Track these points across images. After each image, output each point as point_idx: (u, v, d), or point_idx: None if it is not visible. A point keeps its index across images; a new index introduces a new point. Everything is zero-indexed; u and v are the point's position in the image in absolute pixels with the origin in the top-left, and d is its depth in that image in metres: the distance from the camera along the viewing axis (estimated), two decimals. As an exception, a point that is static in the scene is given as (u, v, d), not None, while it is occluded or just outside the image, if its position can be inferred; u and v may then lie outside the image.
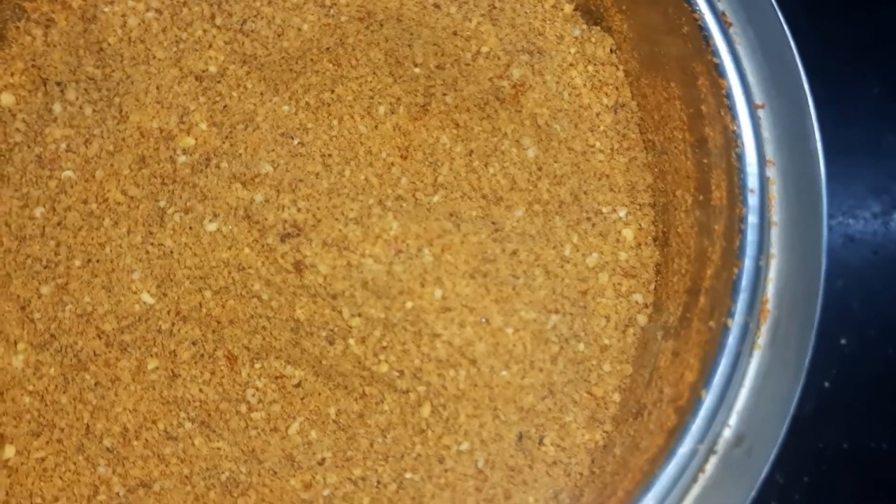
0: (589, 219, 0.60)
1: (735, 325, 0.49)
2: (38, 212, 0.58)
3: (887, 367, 0.91)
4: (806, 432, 0.90)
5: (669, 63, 0.58)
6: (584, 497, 0.55)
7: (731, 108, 0.52)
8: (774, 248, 0.52)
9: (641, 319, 0.60)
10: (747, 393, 0.50)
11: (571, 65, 0.63)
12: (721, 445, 0.49)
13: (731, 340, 0.49)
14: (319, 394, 0.58)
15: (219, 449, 0.57)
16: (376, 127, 0.61)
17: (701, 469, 0.49)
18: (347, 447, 0.57)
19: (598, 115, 0.62)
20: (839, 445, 0.89)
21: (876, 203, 0.94)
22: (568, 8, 0.63)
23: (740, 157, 0.51)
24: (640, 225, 0.61)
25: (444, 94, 0.61)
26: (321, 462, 0.57)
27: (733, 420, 0.49)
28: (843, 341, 0.91)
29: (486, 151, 0.61)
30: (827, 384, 0.90)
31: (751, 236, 0.51)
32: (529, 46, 0.62)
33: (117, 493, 0.57)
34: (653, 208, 0.61)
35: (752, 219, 0.51)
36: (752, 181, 0.51)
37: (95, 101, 0.60)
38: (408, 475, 0.56)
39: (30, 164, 0.59)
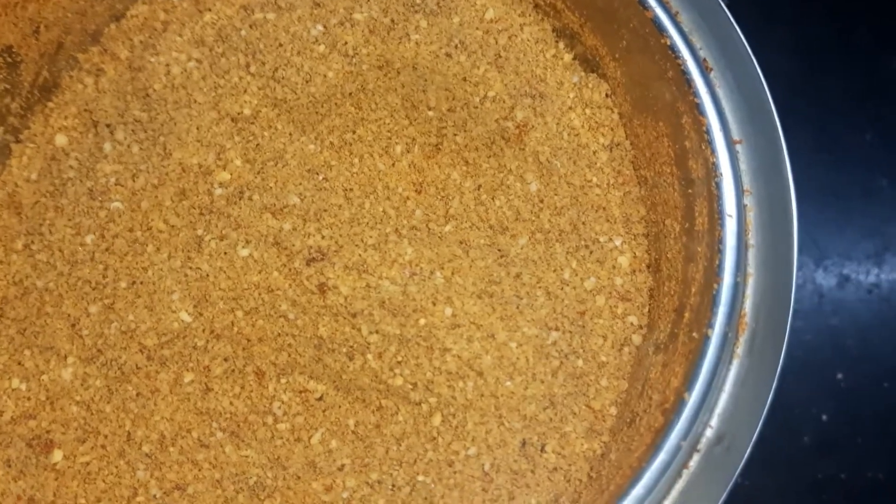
0: (587, 246, 0.66)
1: (715, 334, 0.54)
2: (89, 239, 0.65)
3: (882, 401, 0.94)
4: (805, 463, 0.93)
5: (658, 105, 0.63)
6: (581, 499, 0.60)
7: (711, 143, 0.58)
8: (751, 268, 0.57)
9: (636, 339, 0.64)
10: (726, 397, 0.54)
11: (570, 108, 0.68)
12: (703, 444, 0.54)
13: (712, 349, 0.54)
14: (339, 406, 0.62)
15: (247, 456, 0.62)
16: (393, 164, 0.67)
17: (685, 465, 0.53)
18: (365, 454, 0.61)
19: (594, 153, 0.68)
20: (837, 476, 0.92)
21: (869, 244, 0.98)
22: (567, 57, 0.70)
23: (719, 186, 0.57)
24: (634, 253, 0.66)
25: (455, 135, 0.67)
26: (341, 468, 0.61)
27: (714, 421, 0.54)
28: (839, 376, 0.95)
29: (492, 186, 0.66)
30: (825, 417, 0.94)
31: (729, 256, 0.56)
32: (532, 91, 0.68)
33: (154, 496, 0.61)
34: (646, 238, 0.66)
35: (731, 241, 0.56)
36: (730, 207, 0.56)
37: (142, 140, 0.66)
38: (420, 478, 0.61)
39: (82, 196, 0.65)
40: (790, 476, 0.94)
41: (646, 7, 0.60)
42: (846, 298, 0.98)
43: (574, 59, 0.70)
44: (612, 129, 0.68)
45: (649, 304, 0.65)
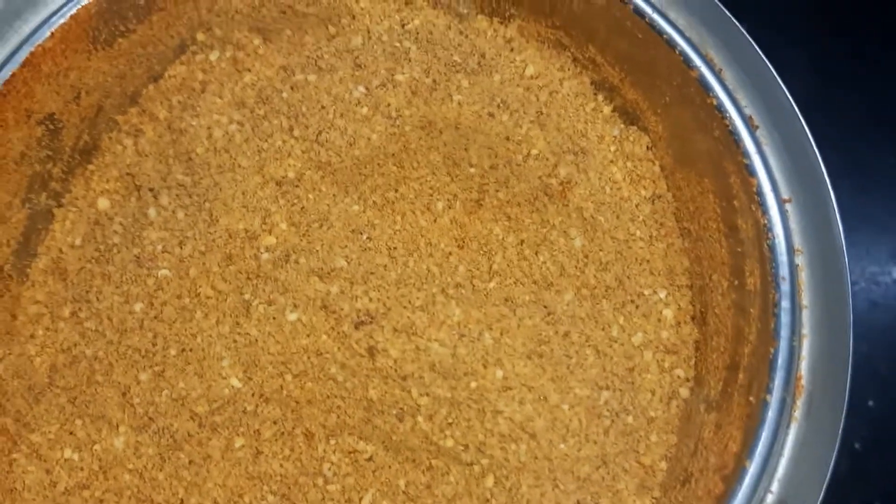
0: (633, 301, 0.66)
1: (773, 399, 0.54)
2: (138, 307, 0.65)
3: (916, 427, 0.94)
4: (840, 493, 0.92)
5: (702, 160, 0.63)
6: (639, 560, 0.60)
7: (762, 204, 0.58)
8: (806, 329, 0.57)
9: (684, 392, 0.64)
10: (786, 462, 0.54)
11: (612, 161, 0.68)
12: (765, 511, 0.54)
13: (771, 414, 0.54)
14: (389, 467, 0.62)
15: (299, 519, 0.62)
16: (435, 220, 0.67)
17: (748, 533, 0.53)
18: (418, 516, 0.62)
19: (637, 206, 0.68)
20: (872, 504, 0.92)
21: (897, 268, 0.98)
22: (607, 109, 0.70)
23: (772, 248, 0.57)
24: (679, 305, 0.66)
25: (497, 191, 0.67)
26: (395, 530, 0.62)
27: (775, 486, 0.54)
28: (870, 403, 0.95)
29: (536, 241, 0.66)
30: (858, 445, 0.94)
31: (784, 319, 0.56)
32: (574, 147, 0.68)
33: (209, 563, 0.61)
34: (690, 289, 0.66)
35: (785, 304, 0.56)
36: (784, 270, 0.56)
37: (187, 205, 0.66)
38: (476, 541, 0.61)
39: (129, 263, 0.65)
40: (826, 506, 0.94)
41: (690, 66, 0.60)
42: (876, 324, 0.97)
43: (613, 111, 0.70)
44: (653, 182, 0.68)
45: (696, 357, 0.65)
